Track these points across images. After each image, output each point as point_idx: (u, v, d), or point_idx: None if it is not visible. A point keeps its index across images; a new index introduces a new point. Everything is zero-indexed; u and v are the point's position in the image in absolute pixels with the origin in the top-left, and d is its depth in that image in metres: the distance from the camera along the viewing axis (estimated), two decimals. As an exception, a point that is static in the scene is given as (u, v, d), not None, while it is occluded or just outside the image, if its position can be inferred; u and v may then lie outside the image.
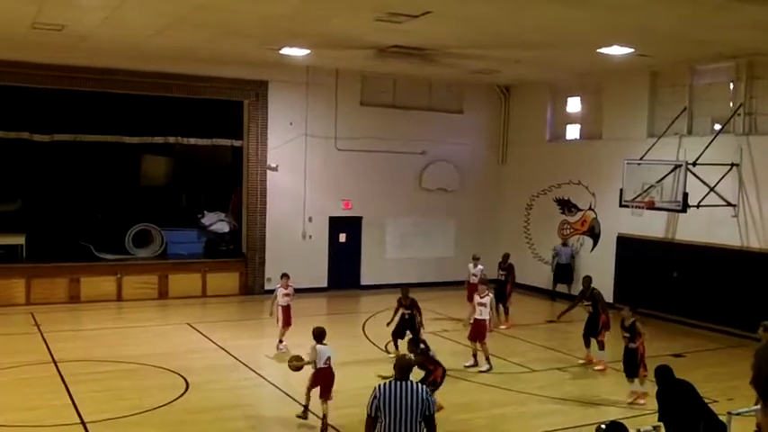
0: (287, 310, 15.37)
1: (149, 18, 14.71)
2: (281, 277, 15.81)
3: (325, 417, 10.80)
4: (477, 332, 14.46)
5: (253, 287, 21.86)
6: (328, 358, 10.99)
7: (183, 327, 17.59)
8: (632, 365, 12.28)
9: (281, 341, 15.25)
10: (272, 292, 21.27)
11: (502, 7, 13.18)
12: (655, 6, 12.63)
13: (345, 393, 12.63)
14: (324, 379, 10.91)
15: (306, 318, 18.55)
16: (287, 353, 14.01)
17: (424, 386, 7.60)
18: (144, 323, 18.08)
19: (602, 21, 14.02)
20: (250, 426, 11.54)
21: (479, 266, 18.70)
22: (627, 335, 12.46)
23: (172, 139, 21.81)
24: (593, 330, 14.86)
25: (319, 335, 11.04)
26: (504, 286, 18.70)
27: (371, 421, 7.25)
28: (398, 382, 7.32)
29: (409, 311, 14.93)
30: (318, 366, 10.93)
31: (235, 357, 14.80)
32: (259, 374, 13.61)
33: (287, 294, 15.44)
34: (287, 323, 15.31)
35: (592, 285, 15.23)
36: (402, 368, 7.53)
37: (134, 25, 15.43)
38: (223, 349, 15.43)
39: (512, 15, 13.75)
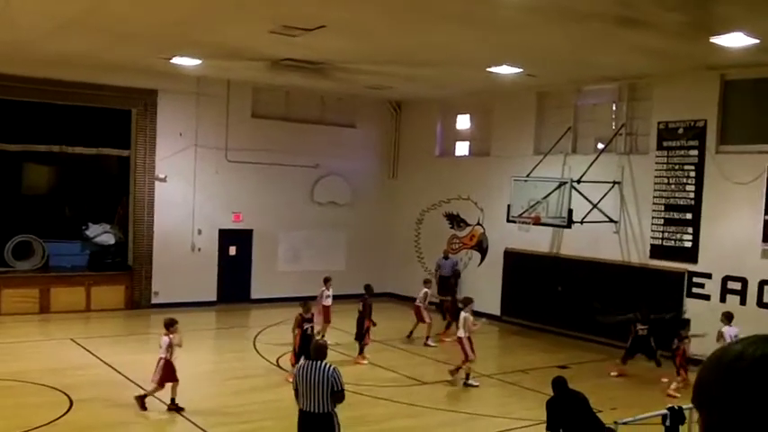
0: (327, 309, 17.53)
1: (33, 20, 14.16)
2: (326, 281, 17.85)
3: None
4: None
5: (139, 301, 21.27)
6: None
7: (66, 342, 16.93)
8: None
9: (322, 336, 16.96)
10: (159, 305, 21.04)
11: (395, 24, 13.36)
12: (542, 29, 13.06)
13: (235, 409, 12.48)
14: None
15: (194, 332, 18.28)
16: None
17: (332, 367, 8.74)
18: (24, 338, 17.28)
19: (493, 41, 14.39)
20: (138, 444, 11.26)
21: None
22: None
23: (56, 148, 20.99)
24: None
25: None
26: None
27: (295, 393, 8.79)
28: (312, 362, 8.71)
29: (311, 324, 14.71)
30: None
31: (121, 374, 14.37)
32: (147, 391, 13.23)
33: (328, 296, 17.66)
34: (327, 320, 17.47)
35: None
36: (316, 350, 8.96)
37: (17, 28, 14.86)
38: (109, 365, 14.96)
39: (405, 33, 13.95)
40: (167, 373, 12.08)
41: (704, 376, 1.66)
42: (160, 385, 12.11)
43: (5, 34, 15.36)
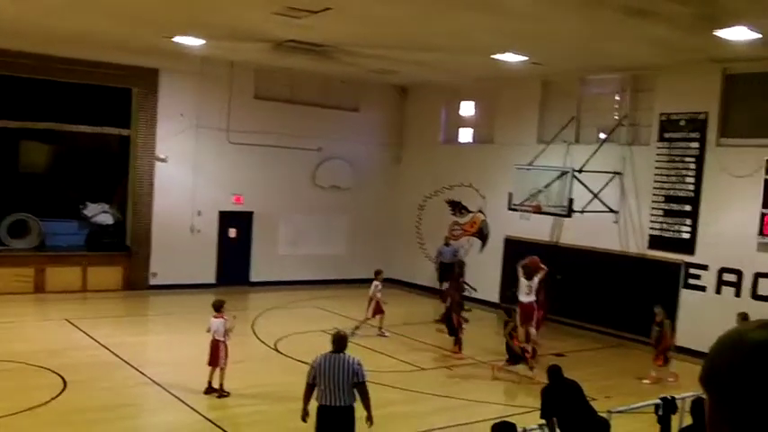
0: (378, 302, 17.35)
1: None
2: (377, 274, 17.69)
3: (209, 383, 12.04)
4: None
5: (136, 282, 21.14)
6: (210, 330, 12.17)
7: (62, 323, 16.83)
8: None
9: (380, 329, 17.30)
10: (157, 287, 20.98)
11: (402, 8, 13.20)
12: (551, 16, 12.91)
13: (232, 393, 12.42)
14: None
15: (192, 315, 18.27)
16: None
17: (356, 358, 8.68)
18: (19, 318, 17.17)
19: (500, 27, 14.23)
20: (131, 427, 11.19)
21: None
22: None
23: (55, 126, 20.90)
24: None
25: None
26: None
27: (309, 388, 8.56)
28: (333, 354, 8.53)
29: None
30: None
31: (117, 355, 14.31)
32: (143, 373, 13.19)
33: (380, 289, 17.44)
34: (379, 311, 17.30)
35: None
36: (336, 342, 8.67)
37: (19, 3, 14.71)
38: (105, 347, 14.88)
39: (411, 17, 13.79)
40: (215, 357, 11.96)
41: (720, 360, 1.62)
42: (223, 366, 12.01)
43: (8, 10, 15.18)
